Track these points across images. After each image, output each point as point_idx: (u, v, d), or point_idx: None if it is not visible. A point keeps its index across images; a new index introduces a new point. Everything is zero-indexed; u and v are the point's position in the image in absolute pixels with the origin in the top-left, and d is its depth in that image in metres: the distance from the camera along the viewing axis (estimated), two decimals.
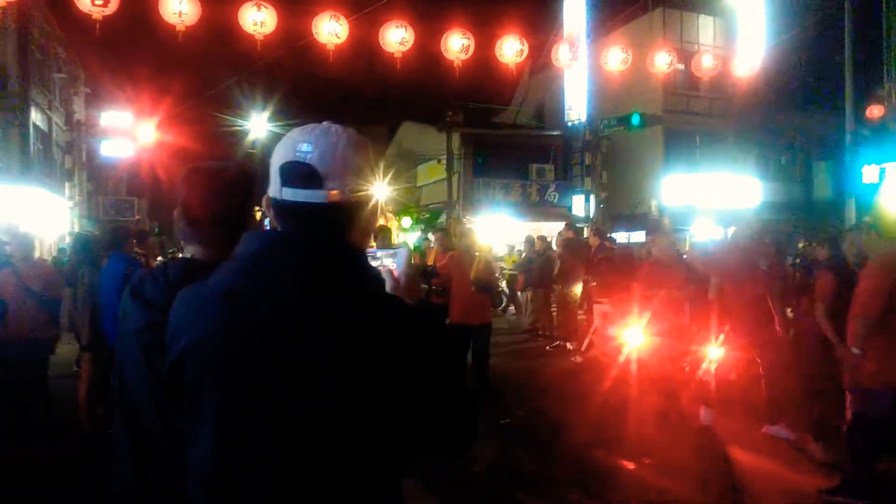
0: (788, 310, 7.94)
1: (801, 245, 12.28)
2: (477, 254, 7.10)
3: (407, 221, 11.52)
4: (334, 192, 1.22)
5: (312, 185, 1.22)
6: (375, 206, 1.34)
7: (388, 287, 1.34)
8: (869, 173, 13.82)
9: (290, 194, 1.23)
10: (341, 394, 1.14)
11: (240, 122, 20.87)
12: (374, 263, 1.39)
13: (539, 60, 15.72)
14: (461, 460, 4.87)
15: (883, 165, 13.63)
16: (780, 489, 4.74)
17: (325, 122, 1.30)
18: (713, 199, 21.75)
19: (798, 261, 10.47)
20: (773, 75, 19.49)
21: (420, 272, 7.20)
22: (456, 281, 6.89)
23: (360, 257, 1.26)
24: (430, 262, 7.90)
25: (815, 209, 22.48)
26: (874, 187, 13.81)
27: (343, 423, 1.15)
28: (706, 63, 13.54)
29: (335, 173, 1.23)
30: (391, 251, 1.43)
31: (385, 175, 20.72)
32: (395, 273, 1.37)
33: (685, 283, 6.46)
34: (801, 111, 21.87)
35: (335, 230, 1.24)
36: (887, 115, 14.16)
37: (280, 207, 1.25)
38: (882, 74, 13.73)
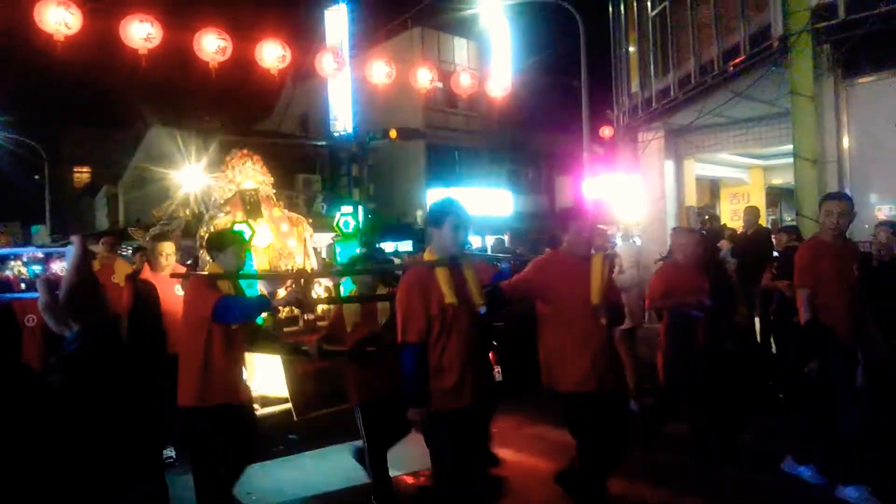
0: None
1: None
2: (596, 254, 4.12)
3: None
4: None
5: None
6: None
7: (40, 303, 1.00)
8: (601, 187, 15.58)
9: None
10: None
11: None
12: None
13: (302, 69, 15.36)
14: None
15: (611, 178, 15.49)
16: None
17: None
18: (472, 210, 23.04)
19: None
20: (521, 97, 21.21)
21: (491, 304, 3.79)
22: (555, 308, 3.98)
23: None
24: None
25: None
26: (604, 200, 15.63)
27: None
28: (464, 81, 14.21)
29: None
30: (54, 250, 1.06)
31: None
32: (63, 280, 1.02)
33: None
34: (547, 130, 24.18)
35: None
36: (615, 136, 16.10)
37: None
38: (611, 100, 15.56)
